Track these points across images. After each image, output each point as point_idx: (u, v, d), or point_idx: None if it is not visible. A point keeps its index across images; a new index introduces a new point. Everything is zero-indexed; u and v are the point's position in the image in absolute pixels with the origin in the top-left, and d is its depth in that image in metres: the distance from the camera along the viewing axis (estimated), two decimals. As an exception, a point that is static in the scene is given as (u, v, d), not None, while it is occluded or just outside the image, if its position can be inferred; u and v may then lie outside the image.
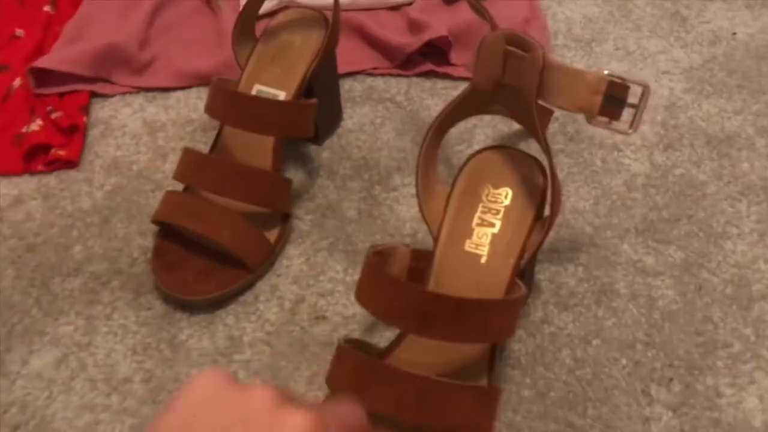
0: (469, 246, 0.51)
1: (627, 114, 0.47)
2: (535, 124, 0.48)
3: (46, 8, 0.85)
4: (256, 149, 0.61)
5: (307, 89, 0.63)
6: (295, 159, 0.67)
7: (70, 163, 0.68)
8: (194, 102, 0.74)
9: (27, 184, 0.67)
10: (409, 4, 0.82)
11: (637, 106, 0.46)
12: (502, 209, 0.52)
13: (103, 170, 0.67)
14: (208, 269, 0.56)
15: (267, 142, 0.61)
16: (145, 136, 0.70)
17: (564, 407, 0.49)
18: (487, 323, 0.43)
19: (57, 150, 0.67)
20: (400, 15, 0.81)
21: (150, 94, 0.75)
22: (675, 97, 0.71)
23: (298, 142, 0.67)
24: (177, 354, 0.53)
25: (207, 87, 0.73)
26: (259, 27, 0.67)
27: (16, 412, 0.51)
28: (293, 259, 0.59)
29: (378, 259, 0.46)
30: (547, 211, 0.51)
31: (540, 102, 0.47)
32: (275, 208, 0.59)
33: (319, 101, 0.61)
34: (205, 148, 0.67)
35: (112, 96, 0.75)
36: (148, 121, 0.72)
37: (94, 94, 0.75)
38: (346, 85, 0.73)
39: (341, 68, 0.70)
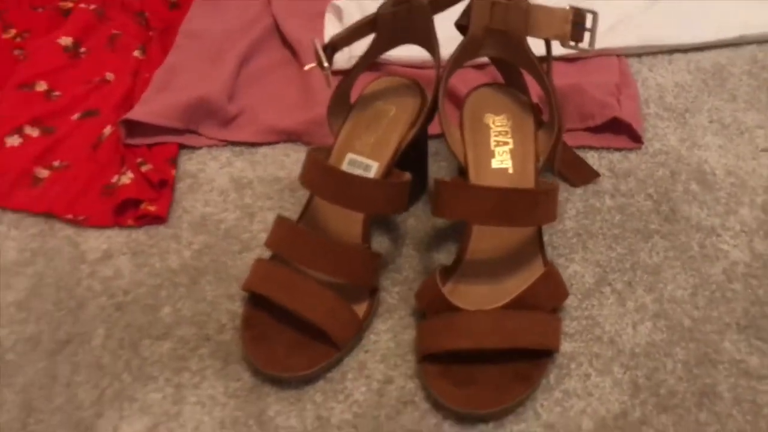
0: (494, 164, 0.61)
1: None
2: (526, 54, 0.59)
3: (136, 53, 0.86)
4: (347, 221, 0.61)
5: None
6: (380, 226, 0.66)
7: (159, 219, 0.68)
8: (281, 159, 0.74)
9: (116, 237, 0.67)
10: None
11: (591, 29, 0.58)
12: (509, 129, 0.63)
13: (191, 227, 0.68)
14: (297, 343, 0.56)
15: (358, 215, 0.60)
16: (232, 192, 0.71)
17: None
18: (546, 208, 0.55)
19: (147, 205, 0.68)
20: (484, 75, 0.80)
21: (237, 148, 0.75)
22: (775, 178, 0.68)
23: (385, 209, 0.67)
24: (265, 430, 0.53)
25: (294, 143, 0.75)
26: (354, 93, 0.66)
27: (106, 484, 0.51)
28: (381, 335, 0.59)
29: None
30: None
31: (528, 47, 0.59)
32: (365, 283, 0.58)
33: (409, 170, 0.61)
34: (292, 209, 0.68)
35: (200, 148, 0.76)
36: (235, 177, 0.72)
37: (181, 146, 0.75)
38: (432, 148, 0.72)
39: (429, 129, 0.70)
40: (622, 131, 0.73)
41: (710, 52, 0.82)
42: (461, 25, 0.60)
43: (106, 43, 0.89)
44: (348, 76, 0.63)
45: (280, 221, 0.60)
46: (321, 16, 0.89)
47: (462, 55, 0.59)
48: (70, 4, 0.96)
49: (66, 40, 0.89)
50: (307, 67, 0.60)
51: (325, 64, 0.58)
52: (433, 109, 0.61)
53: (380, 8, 0.58)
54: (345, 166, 0.62)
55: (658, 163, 0.70)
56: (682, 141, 0.72)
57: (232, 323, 0.60)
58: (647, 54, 0.83)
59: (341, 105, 0.64)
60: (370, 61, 0.63)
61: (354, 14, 0.87)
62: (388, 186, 0.58)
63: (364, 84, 0.67)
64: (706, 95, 0.77)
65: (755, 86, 0.78)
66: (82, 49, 0.89)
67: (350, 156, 0.63)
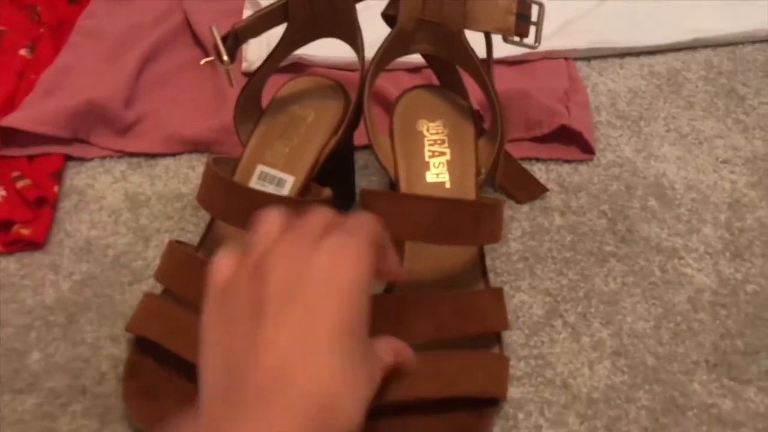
0: (429, 177, 0.53)
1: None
2: (465, 50, 0.51)
3: (23, 52, 0.75)
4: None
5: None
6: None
7: (35, 245, 0.57)
8: (185, 172, 0.64)
9: (-19, 267, 0.56)
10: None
11: (537, 23, 0.51)
12: (446, 138, 0.55)
13: (74, 254, 0.57)
14: (191, 398, 0.46)
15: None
16: (125, 212, 0.60)
17: None
18: (490, 225, 0.47)
19: (20, 228, 0.57)
20: (419, 77, 0.72)
21: (134, 160, 0.65)
22: (738, 193, 0.62)
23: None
24: None
25: (201, 153, 0.65)
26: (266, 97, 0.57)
27: None
28: (295, 382, 0.49)
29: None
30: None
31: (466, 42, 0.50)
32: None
33: (331, 185, 0.52)
34: (195, 230, 0.58)
35: (90, 160, 0.65)
36: (130, 193, 0.62)
37: (69, 158, 0.65)
38: (360, 160, 0.63)
39: (357, 139, 0.61)
40: (572, 141, 0.65)
41: (664, 56, 0.76)
42: (389, 16, 0.51)
43: (-12, 41, 0.78)
44: (256, 75, 0.53)
45: (173, 249, 0.50)
46: (238, 14, 0.80)
47: (389, 50, 0.51)
48: (-51, -2, 0.84)
49: (-59, 37, 0.77)
50: (203, 62, 0.51)
51: (225, 58, 0.48)
52: (358, 113, 0.52)
53: (291, -7, 0.49)
54: (254, 181, 0.53)
55: (611, 176, 0.63)
56: (637, 152, 0.65)
57: (113, 371, 0.49)
58: (597, 57, 0.76)
59: (250, 109, 0.55)
60: (281, 58, 0.54)
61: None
62: (304, 205, 0.49)
63: (278, 86, 0.57)
64: (662, 102, 0.71)
65: (712, 93, 0.72)
66: (-40, 48, 0.77)
67: (261, 168, 0.53)
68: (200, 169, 0.64)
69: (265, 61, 0.53)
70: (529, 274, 0.55)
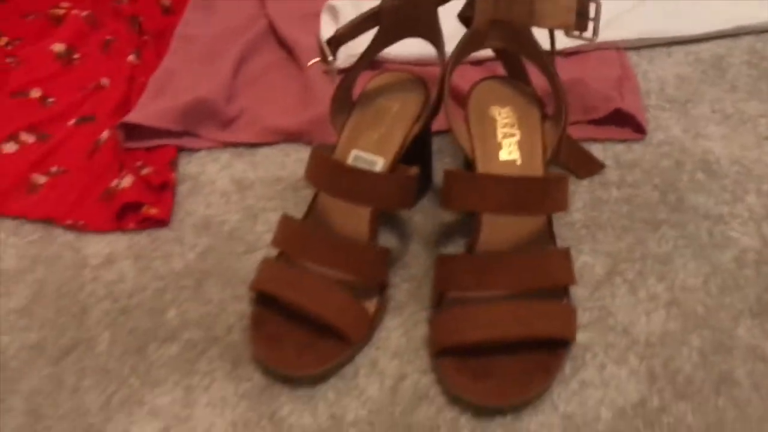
0: (502, 156, 0.61)
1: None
2: (532, 44, 0.59)
3: (131, 58, 0.85)
4: (354, 217, 0.60)
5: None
6: (386, 223, 0.65)
7: (161, 222, 0.67)
8: (282, 159, 0.73)
9: (118, 242, 0.66)
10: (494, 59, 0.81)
11: (595, 18, 0.58)
12: (516, 121, 0.62)
13: (194, 230, 0.67)
14: (308, 342, 0.55)
15: (364, 211, 0.60)
16: (234, 194, 0.70)
17: None
18: (557, 197, 0.54)
19: (148, 208, 0.67)
20: (483, 70, 0.80)
21: (237, 150, 0.75)
22: (779, 165, 0.68)
23: (390, 206, 0.66)
24: (279, 430, 0.52)
25: (294, 143, 0.74)
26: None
27: (117, 490, 0.50)
28: (391, 332, 0.58)
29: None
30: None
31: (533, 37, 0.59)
32: (374, 279, 0.57)
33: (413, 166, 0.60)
34: (295, 208, 0.67)
35: (199, 151, 0.75)
36: (236, 178, 0.71)
37: (180, 149, 0.75)
38: (435, 145, 0.71)
39: (433, 126, 0.69)
40: (626, 123, 0.72)
41: (708, 44, 0.82)
42: (465, 17, 0.59)
43: (99, 49, 0.88)
44: (350, 72, 0.62)
45: (285, 220, 0.59)
46: (316, 16, 0.89)
47: (466, 47, 0.59)
48: (61, 11, 0.95)
49: (59, 47, 0.88)
50: (310, 63, 0.60)
51: (330, 58, 0.57)
52: (438, 102, 0.61)
53: (383, 0, 0.58)
54: (350, 163, 0.61)
55: (662, 153, 0.70)
56: (685, 131, 0.72)
57: (240, 324, 0.59)
58: (646, 47, 0.83)
59: (344, 102, 0.64)
60: (372, 56, 0.62)
61: (350, 14, 0.86)
62: (395, 180, 0.58)
63: (365, 81, 0.66)
64: (707, 86, 0.77)
65: (755, 76, 0.78)
66: (76, 56, 0.88)
67: (355, 152, 0.62)
68: (294, 155, 0.73)
69: (358, 60, 0.61)
70: (591, 239, 0.63)
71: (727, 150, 0.70)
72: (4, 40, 0.92)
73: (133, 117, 0.73)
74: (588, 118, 0.73)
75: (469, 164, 0.61)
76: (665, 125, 0.73)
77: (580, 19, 0.58)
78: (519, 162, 0.60)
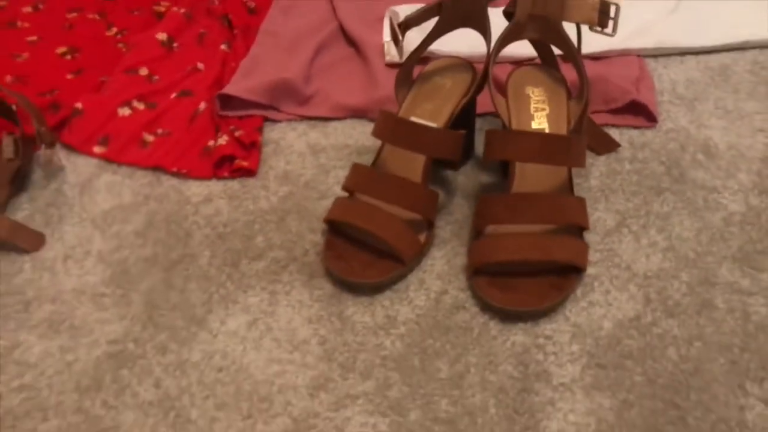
0: (534, 125, 0.74)
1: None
2: (562, 36, 0.72)
3: (223, 47, 1.01)
4: (410, 166, 0.74)
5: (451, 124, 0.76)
6: (436, 181, 0.79)
7: (250, 172, 0.82)
8: (349, 131, 0.88)
9: (215, 186, 0.81)
10: (533, 58, 0.95)
11: (614, 18, 0.70)
12: (546, 98, 0.76)
13: (277, 180, 0.81)
14: (370, 260, 0.69)
15: (419, 161, 0.73)
16: (309, 155, 0.84)
17: (670, 391, 0.59)
18: (577, 152, 0.67)
19: (240, 161, 0.82)
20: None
21: (312, 123, 0.89)
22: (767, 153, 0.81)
23: (438, 168, 0.80)
24: (345, 325, 0.65)
25: (359, 119, 0.89)
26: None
27: (219, 359, 0.64)
28: (437, 260, 0.71)
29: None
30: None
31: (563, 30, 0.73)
32: (425, 215, 0.71)
33: (461, 134, 0.74)
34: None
35: (280, 122, 0.90)
36: (311, 143, 0.86)
37: (266, 119, 0.90)
38: (477, 124, 0.85)
39: (477, 108, 0.83)
40: (640, 113, 0.86)
41: (717, 55, 0.95)
42: (508, 13, 0.74)
43: (195, 40, 1.05)
44: (413, 54, 0.77)
45: (356, 166, 0.73)
46: (380, 20, 1.04)
47: (509, 37, 0.73)
48: (162, 8, 1.12)
49: (162, 36, 1.04)
50: (386, 40, 0.74)
51: (400, 38, 0.72)
52: (483, 81, 0.75)
53: (444, -4, 0.73)
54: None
55: (670, 138, 0.83)
56: (691, 122, 0.85)
57: (314, 249, 0.73)
58: (662, 55, 0.96)
59: (406, 78, 0.78)
60: (433, 41, 0.77)
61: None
62: (448, 134, 0.71)
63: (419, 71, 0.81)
64: (713, 88, 0.90)
65: (755, 82, 0.91)
66: (176, 44, 1.04)
67: (413, 119, 0.76)
68: (359, 128, 0.88)
69: (420, 44, 0.76)
70: (605, 200, 0.76)
71: (726, 138, 0.83)
72: (114, 30, 1.09)
73: (229, 89, 0.89)
74: (608, 107, 0.86)
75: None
76: (674, 117, 0.86)
77: (602, 17, 0.71)
78: (547, 130, 0.74)
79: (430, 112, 0.76)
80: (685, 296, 0.66)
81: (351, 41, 1.02)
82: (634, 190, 0.77)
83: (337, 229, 0.71)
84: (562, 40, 0.73)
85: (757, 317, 0.64)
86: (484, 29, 0.74)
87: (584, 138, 0.69)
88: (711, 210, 0.74)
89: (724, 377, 0.59)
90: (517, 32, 0.74)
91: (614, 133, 0.84)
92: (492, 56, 0.73)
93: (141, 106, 0.92)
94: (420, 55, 0.78)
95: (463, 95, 0.77)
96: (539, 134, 0.67)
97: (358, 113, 0.89)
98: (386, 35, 1.00)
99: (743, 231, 0.72)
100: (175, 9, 1.09)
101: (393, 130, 0.71)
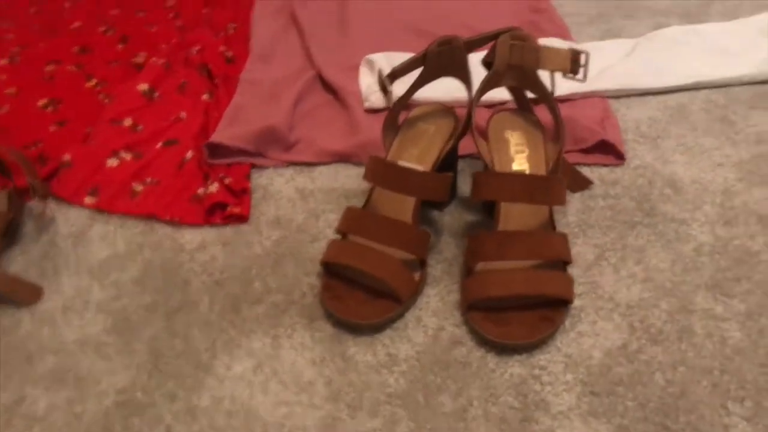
0: (515, 166, 0.79)
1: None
2: (538, 82, 0.77)
3: (204, 96, 1.04)
4: (401, 207, 0.77)
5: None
6: (424, 221, 0.83)
7: (242, 218, 0.84)
8: (334, 175, 0.91)
9: (208, 233, 0.83)
10: (504, 103, 1.00)
11: (585, 65, 0.76)
12: (525, 141, 0.81)
13: (269, 225, 0.84)
14: (367, 300, 0.71)
15: (409, 203, 0.77)
16: (298, 200, 0.87)
17: (660, 414, 0.63)
18: (558, 192, 0.71)
19: (232, 207, 0.84)
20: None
21: (298, 168, 0.92)
22: (729, 184, 0.87)
23: (426, 209, 0.83)
24: (348, 364, 0.68)
25: (344, 163, 0.92)
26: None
27: (228, 403, 0.65)
28: (431, 298, 0.74)
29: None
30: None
31: (539, 78, 0.77)
32: (418, 254, 0.74)
33: (446, 176, 0.78)
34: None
35: (267, 168, 0.92)
36: (299, 188, 0.89)
37: (253, 166, 0.92)
38: (459, 165, 0.89)
39: (459, 150, 0.87)
40: (609, 152, 0.91)
41: (674, 94, 1.02)
42: (487, 62, 0.78)
43: (176, 89, 1.07)
44: (398, 102, 0.81)
45: (349, 209, 0.76)
46: (355, 68, 1.09)
47: (488, 85, 0.78)
48: (141, 60, 1.14)
49: (143, 86, 1.06)
50: (363, 87, 0.78)
51: (389, 89, 0.76)
52: (466, 126, 0.79)
53: (428, 48, 0.77)
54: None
55: (638, 174, 0.89)
56: (656, 159, 0.91)
57: (311, 292, 0.75)
58: (624, 96, 1.02)
59: (392, 125, 0.82)
60: (416, 90, 0.81)
61: (384, 65, 1.06)
62: (436, 177, 0.75)
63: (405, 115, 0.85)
64: (673, 126, 0.97)
65: (710, 119, 0.97)
66: (157, 94, 1.06)
67: (401, 163, 0.80)
68: (344, 172, 0.91)
69: (405, 93, 0.80)
70: (583, 235, 0.81)
71: (689, 173, 0.89)
72: (94, 81, 1.11)
73: (216, 138, 0.92)
74: (578, 147, 0.91)
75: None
76: (640, 154, 0.92)
77: (574, 65, 0.77)
78: (527, 171, 0.78)
79: (416, 156, 0.80)
80: (666, 323, 0.70)
81: (329, 88, 1.06)
82: (609, 224, 0.82)
83: (333, 270, 0.74)
84: (538, 87, 0.78)
85: (733, 341, 0.69)
86: (465, 79, 0.79)
87: (563, 178, 0.73)
88: (682, 241, 0.79)
89: (708, 398, 0.64)
90: (496, 80, 0.78)
91: (586, 172, 0.89)
92: (473, 103, 0.77)
93: (128, 156, 0.94)
94: (405, 102, 0.82)
95: (447, 139, 0.81)
96: (523, 175, 0.72)
97: (342, 158, 0.93)
98: (363, 82, 1.05)
99: (713, 260, 0.77)
100: (154, 60, 1.12)
101: (383, 174, 0.75)
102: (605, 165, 0.91)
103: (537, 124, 0.82)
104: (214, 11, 1.28)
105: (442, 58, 0.78)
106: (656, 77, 1.04)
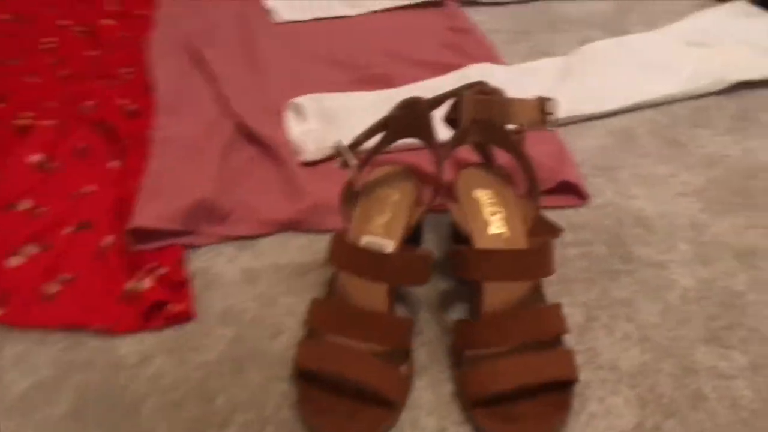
0: (492, 230, 0.72)
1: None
2: (506, 137, 0.72)
3: (112, 164, 0.90)
4: (373, 293, 0.69)
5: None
6: (396, 296, 0.75)
7: (187, 317, 0.73)
8: (281, 248, 0.81)
9: (148, 340, 0.71)
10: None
11: (553, 113, 0.71)
12: (497, 200, 0.75)
13: (218, 321, 0.73)
14: (355, 411, 0.63)
15: (381, 289, 0.69)
16: (245, 285, 0.77)
17: (697, 503, 0.58)
18: (550, 261, 0.66)
19: (173, 306, 0.73)
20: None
21: (238, 243, 0.82)
22: (695, 217, 0.84)
23: (394, 281, 0.75)
24: (348, 492, 0.59)
25: (288, 232, 0.82)
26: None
27: None
28: (421, 391, 0.66)
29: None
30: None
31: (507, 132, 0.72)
32: (404, 346, 0.66)
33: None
34: (307, 292, 0.75)
35: (200, 247, 0.81)
36: (244, 269, 0.78)
37: (185, 246, 0.81)
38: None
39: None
40: (569, 191, 0.86)
41: (618, 118, 0.99)
42: (450, 120, 0.71)
43: (75, 156, 0.93)
44: (358, 169, 0.72)
45: (316, 303, 0.67)
46: (278, 113, 0.98)
47: (455, 143, 0.70)
48: (25, 122, 0.99)
49: (35, 157, 0.91)
50: (338, 166, 0.69)
51: (353, 162, 0.67)
52: (437, 192, 0.72)
53: (390, 111, 0.69)
54: (362, 242, 0.70)
55: (605, 214, 0.84)
56: (616, 193, 0.87)
57: (286, 403, 0.65)
58: (569, 123, 0.98)
59: (351, 195, 0.73)
60: (378, 154, 0.72)
61: (313, 109, 0.97)
62: (414, 259, 0.67)
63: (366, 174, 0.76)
64: (625, 154, 0.93)
65: (659, 144, 0.95)
66: (54, 164, 0.92)
67: (366, 238, 0.71)
68: (293, 242, 0.81)
69: (365, 157, 0.71)
70: (567, 293, 0.75)
71: (653, 207, 0.85)
72: (-29, 154, 0.94)
73: (139, 221, 0.79)
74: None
75: (457, 236, 0.72)
76: (600, 190, 0.88)
77: (544, 115, 0.71)
78: (506, 235, 0.72)
79: (383, 228, 0.72)
80: (676, 390, 0.66)
81: (254, 138, 0.95)
82: (589, 276, 0.77)
83: (308, 375, 0.65)
84: (508, 142, 0.71)
85: (745, 401, 0.65)
86: (429, 140, 0.71)
87: (552, 243, 0.67)
88: (666, 288, 0.76)
89: (737, 474, 0.60)
90: (463, 137, 0.71)
91: (551, 215, 0.84)
92: (440, 165, 0.70)
93: (34, 250, 0.80)
94: (363, 169, 0.73)
95: (413, 205, 0.73)
96: (512, 252, 0.65)
97: (288, 227, 0.83)
98: (293, 131, 0.95)
99: (701, 308, 0.74)
100: (43, 122, 0.97)
101: (353, 259, 0.66)
102: (569, 206, 0.86)
103: (506, 177, 0.76)
104: (102, 54, 1.13)
105: (404, 121, 0.70)
106: (598, 102, 1.00)
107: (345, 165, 0.68)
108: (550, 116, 0.71)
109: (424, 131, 0.71)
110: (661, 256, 0.79)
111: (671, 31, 1.16)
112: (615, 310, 0.73)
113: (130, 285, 0.75)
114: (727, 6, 1.23)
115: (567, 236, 0.81)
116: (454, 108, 0.70)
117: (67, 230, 0.82)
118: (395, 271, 0.65)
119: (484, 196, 0.74)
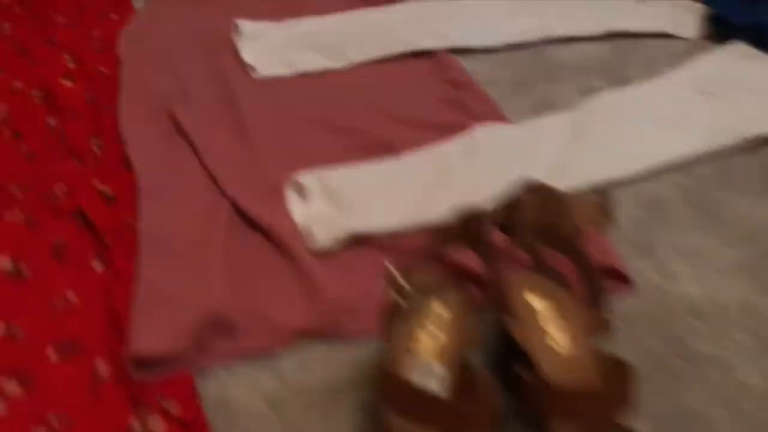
0: (555, 346, 0.63)
1: None
2: (570, 244, 0.66)
3: (95, 264, 0.79)
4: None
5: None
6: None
7: (209, 465, 0.62)
8: (308, 366, 0.71)
9: (166, 499, 0.60)
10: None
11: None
12: (557, 309, 0.66)
13: (246, 466, 0.63)
14: None
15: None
16: (271, 415, 0.67)
17: None
18: (626, 402, 0.58)
19: (191, 452, 0.62)
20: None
21: (256, 363, 0.71)
22: (746, 300, 0.78)
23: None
24: None
25: (310, 341, 0.72)
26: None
27: None
28: None
29: None
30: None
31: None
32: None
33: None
34: (340, 416, 0.65)
35: (213, 369, 0.70)
36: (267, 395, 0.68)
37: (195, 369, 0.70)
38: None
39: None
40: (609, 275, 0.79)
41: (645, 185, 0.92)
42: (503, 226, 0.63)
43: (50, 255, 0.80)
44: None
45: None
46: (275, 190, 0.88)
47: (514, 252, 0.62)
48: (-15, 215, 0.86)
49: (4, 263, 0.79)
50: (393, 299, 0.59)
51: (407, 288, 0.58)
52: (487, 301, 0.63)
53: (448, 223, 0.60)
54: (415, 375, 0.61)
55: (651, 301, 0.77)
56: (659, 275, 0.80)
57: None
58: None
59: (397, 313, 0.64)
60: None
61: (317, 189, 0.87)
62: (473, 411, 0.57)
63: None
64: (659, 226, 0.87)
65: (693, 215, 0.89)
66: (25, 269, 0.79)
67: (423, 363, 0.62)
68: (318, 356, 0.72)
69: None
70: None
71: (702, 291, 0.79)
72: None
73: (139, 345, 0.68)
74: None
75: (507, 339, 0.64)
76: (640, 271, 0.80)
77: (603, 215, 0.63)
78: (571, 352, 0.63)
79: (433, 350, 0.63)
80: None
81: (250, 222, 0.85)
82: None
83: None
84: (572, 248, 0.63)
85: None
86: (483, 254, 0.63)
87: (631, 374, 0.59)
88: (736, 394, 0.69)
89: None
90: (523, 245, 0.63)
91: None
92: (497, 285, 0.61)
93: (12, 387, 0.68)
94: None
95: (466, 331, 0.64)
96: (591, 395, 0.57)
97: (305, 336, 0.73)
98: (296, 214, 0.85)
99: (779, 414, 0.67)
100: (7, 215, 0.84)
101: (403, 399, 0.56)
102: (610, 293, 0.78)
103: (562, 282, 0.68)
104: (64, 124, 1.01)
105: (460, 234, 0.61)
106: (618, 166, 0.94)
107: (401, 293, 0.58)
108: (610, 215, 0.64)
109: (482, 247, 0.62)
110: (724, 352, 0.73)
111: (677, 79, 1.11)
112: (687, 425, 0.66)
113: (135, 423, 0.64)
114: (727, 49, 1.19)
115: (617, 330, 0.74)
116: (508, 211, 0.62)
117: (50, 354, 0.70)
118: (453, 420, 0.57)
119: (541, 305, 0.66)
